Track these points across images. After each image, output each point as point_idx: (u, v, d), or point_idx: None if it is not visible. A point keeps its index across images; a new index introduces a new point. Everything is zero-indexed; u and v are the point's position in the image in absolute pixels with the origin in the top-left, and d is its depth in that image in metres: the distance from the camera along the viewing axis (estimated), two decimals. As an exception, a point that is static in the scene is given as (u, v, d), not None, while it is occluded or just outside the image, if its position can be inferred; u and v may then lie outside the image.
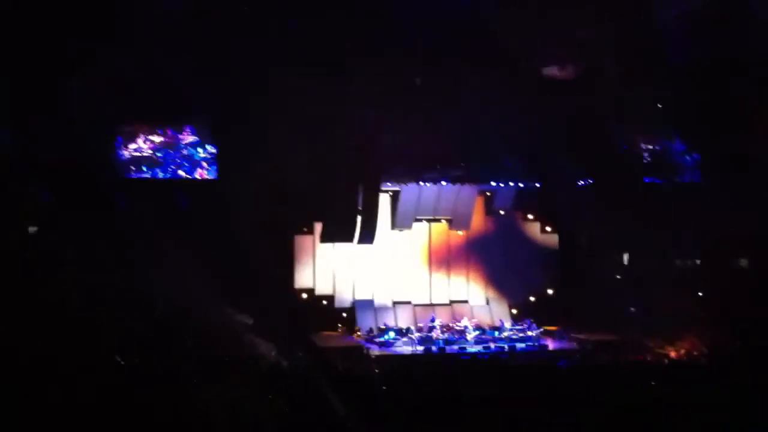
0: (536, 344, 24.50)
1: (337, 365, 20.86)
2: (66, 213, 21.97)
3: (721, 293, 25.08)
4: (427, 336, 24.40)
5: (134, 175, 25.00)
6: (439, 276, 28.28)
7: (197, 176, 25.49)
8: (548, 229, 28.97)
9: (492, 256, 28.63)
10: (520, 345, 24.27)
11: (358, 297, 27.27)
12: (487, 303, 28.33)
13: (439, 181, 25.69)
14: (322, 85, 22.46)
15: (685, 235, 26.25)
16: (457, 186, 26.47)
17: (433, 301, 27.97)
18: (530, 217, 28.92)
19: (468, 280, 28.48)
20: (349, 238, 25.19)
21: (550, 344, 24.81)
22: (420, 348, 23.67)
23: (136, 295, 19.08)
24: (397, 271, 27.79)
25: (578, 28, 17.97)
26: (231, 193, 24.27)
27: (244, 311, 23.26)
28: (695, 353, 21.79)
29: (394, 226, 27.45)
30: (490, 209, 28.55)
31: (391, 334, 24.67)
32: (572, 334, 25.41)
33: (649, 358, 22.50)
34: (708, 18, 21.61)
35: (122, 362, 13.12)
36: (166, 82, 23.27)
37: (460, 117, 22.99)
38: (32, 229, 22.40)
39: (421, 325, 25.87)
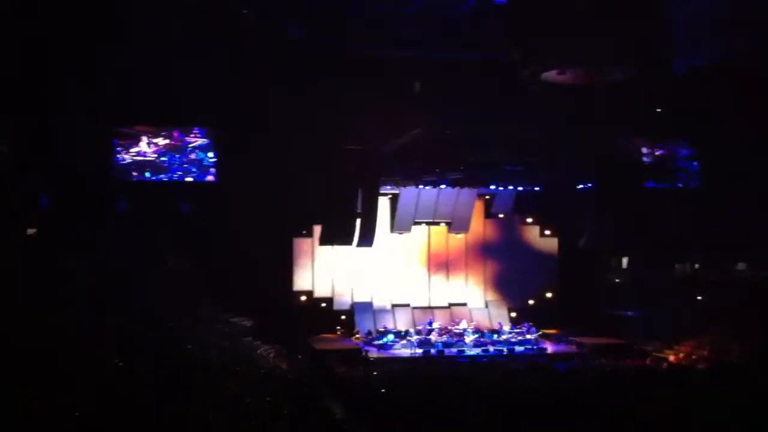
0: (535, 347, 24.49)
1: (336, 368, 20.84)
2: (63, 217, 21.97)
3: (720, 298, 25.06)
4: (426, 339, 24.38)
5: (133, 178, 24.37)
6: (438, 279, 28.29)
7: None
8: (547, 232, 29.01)
9: (491, 259, 28.69)
10: (518, 348, 24.26)
11: (357, 299, 27.27)
12: (486, 306, 28.34)
13: (438, 185, 25.65)
14: (323, 89, 22.46)
15: (684, 239, 26.23)
16: (456, 189, 26.46)
17: (432, 304, 28.00)
18: (529, 220, 28.96)
19: (467, 283, 28.50)
20: (348, 241, 25.17)
21: (549, 347, 24.82)
22: (419, 351, 23.65)
23: (132, 298, 19.07)
24: (396, 274, 27.80)
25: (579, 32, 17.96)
26: (230, 195, 24.25)
27: (244, 313, 23.29)
28: (694, 358, 21.75)
29: (393, 229, 27.47)
30: (489, 213, 28.62)
31: (390, 337, 24.65)
32: (571, 338, 25.42)
33: (648, 363, 22.46)
34: (714, 21, 21.61)
35: (121, 364, 13.07)
36: (170, 80, 23.00)
37: (459, 120, 22.94)
38: (31, 231, 22.34)
39: (419, 327, 25.86)
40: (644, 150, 26.40)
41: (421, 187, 26.12)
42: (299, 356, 22.00)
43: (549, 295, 28.38)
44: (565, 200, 27.43)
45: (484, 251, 28.68)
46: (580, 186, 26.17)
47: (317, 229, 26.33)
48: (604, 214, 25.50)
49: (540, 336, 25.46)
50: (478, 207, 28.24)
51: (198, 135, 24.85)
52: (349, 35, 22.12)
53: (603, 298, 27.61)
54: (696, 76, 23.20)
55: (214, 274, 23.63)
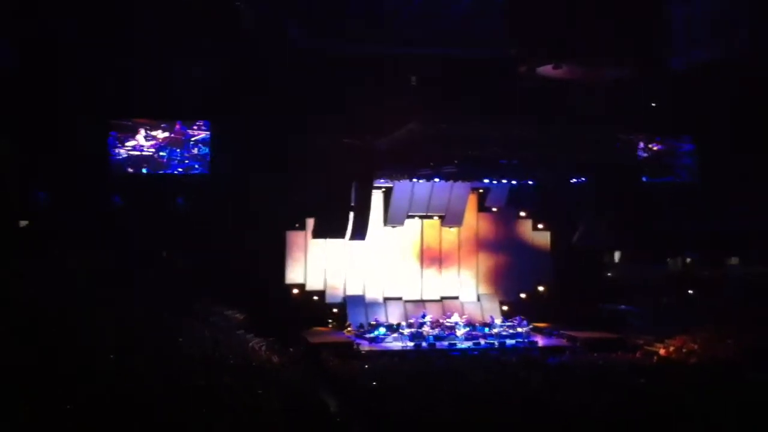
0: (526, 341, 24.55)
1: (328, 361, 20.88)
2: (58, 209, 21.88)
3: (712, 294, 25.22)
4: (418, 332, 24.44)
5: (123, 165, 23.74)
6: (431, 272, 28.35)
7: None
8: (540, 226, 29.11)
9: (484, 252, 28.78)
10: (510, 341, 24.32)
11: (350, 293, 27.31)
12: (478, 299, 28.43)
13: (432, 178, 25.68)
14: (319, 84, 22.46)
15: (677, 234, 26.35)
16: (450, 183, 26.49)
17: (424, 297, 28.06)
18: (523, 214, 29.03)
19: (459, 277, 28.57)
20: (341, 234, 25.17)
21: (540, 341, 24.89)
22: (410, 344, 23.70)
23: (127, 291, 19.06)
24: (389, 267, 27.84)
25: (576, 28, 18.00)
26: (223, 189, 24.22)
27: (237, 306, 23.31)
28: (685, 351, 21.87)
29: (386, 222, 27.51)
30: (482, 206, 28.67)
31: (382, 330, 24.69)
32: (562, 331, 25.50)
33: (638, 356, 22.59)
34: (716, 19, 21.69)
35: (118, 361, 13.08)
36: (168, 75, 22.70)
37: (455, 116, 22.96)
38: (23, 223, 22.28)
39: (411, 320, 25.91)
40: (641, 145, 26.47)
41: (415, 180, 26.14)
42: (291, 349, 22.03)
43: (541, 289, 28.48)
44: (559, 195, 27.52)
45: (477, 245, 28.76)
46: (574, 180, 26.21)
47: (310, 222, 26.34)
48: (598, 210, 25.55)
49: (531, 329, 25.55)
50: (472, 200, 28.29)
51: (202, 127, 24.06)
52: (348, 33, 22.12)
53: (595, 292, 27.69)
54: (695, 74, 23.28)
55: (208, 267, 23.64)
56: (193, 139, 24.04)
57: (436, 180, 25.81)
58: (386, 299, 27.58)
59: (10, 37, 20.75)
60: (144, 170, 23.90)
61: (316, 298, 27.05)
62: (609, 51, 18.29)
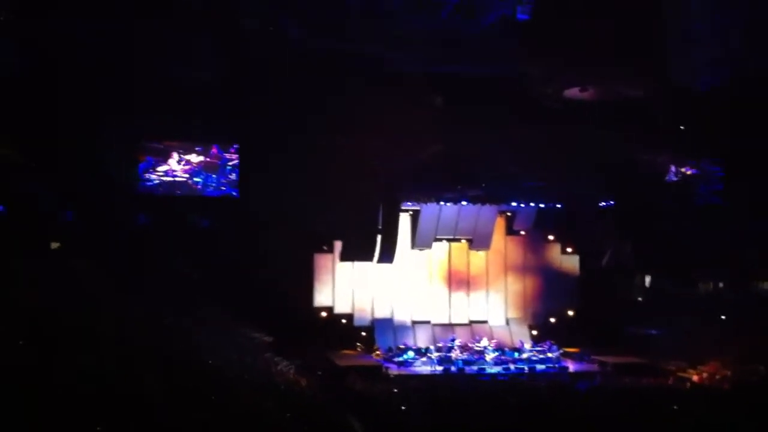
0: (556, 366, 24.28)
1: (356, 384, 20.78)
2: (88, 231, 22.03)
3: (744, 317, 24.75)
4: (446, 356, 24.26)
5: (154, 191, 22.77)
6: (459, 296, 28.19)
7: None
8: (569, 250, 28.86)
9: (512, 276, 28.57)
10: (540, 366, 24.05)
11: (378, 316, 27.23)
12: (507, 323, 28.20)
13: (459, 201, 25.63)
14: (344, 106, 22.48)
15: (707, 258, 25.96)
16: (478, 206, 26.45)
17: (453, 321, 27.89)
18: (551, 237, 28.83)
19: (488, 300, 28.38)
20: (368, 257, 25.18)
21: (571, 366, 24.60)
22: (439, 368, 23.54)
23: (155, 312, 19.15)
24: (417, 291, 27.75)
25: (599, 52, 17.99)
26: (252, 211, 24.29)
27: (264, 329, 23.32)
28: (718, 378, 21.47)
29: (414, 245, 27.45)
30: (510, 229, 28.51)
31: (410, 354, 24.56)
32: (593, 356, 25.19)
33: (670, 382, 22.21)
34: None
35: (142, 377, 13.12)
36: (193, 96, 22.16)
37: (480, 137, 22.95)
38: (55, 245, 22.43)
39: (440, 344, 25.74)
40: (672, 168, 26.20)
41: (442, 203, 26.13)
42: (319, 372, 21.96)
43: (570, 313, 28.19)
44: (587, 218, 27.30)
45: (505, 268, 28.58)
46: (602, 204, 26.02)
47: (338, 245, 26.37)
48: (625, 233, 25.32)
49: (562, 354, 25.27)
50: (500, 224, 28.17)
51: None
52: (370, 51, 22.16)
53: (625, 316, 27.34)
54: (717, 94, 23.07)
55: (236, 290, 23.70)
56: (230, 163, 22.80)
57: (463, 203, 25.77)
58: (414, 323, 27.46)
59: (33, 51, 20.73)
60: (177, 192, 23.40)
61: (344, 321, 27.00)
62: (630, 72, 18.28)
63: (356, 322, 27.10)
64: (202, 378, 14.75)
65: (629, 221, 25.51)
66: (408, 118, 22.44)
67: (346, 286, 27.14)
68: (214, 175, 22.38)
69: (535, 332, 27.78)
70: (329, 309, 26.96)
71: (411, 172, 23.64)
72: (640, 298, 28.79)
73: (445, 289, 28.13)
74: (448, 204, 26.10)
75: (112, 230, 22.59)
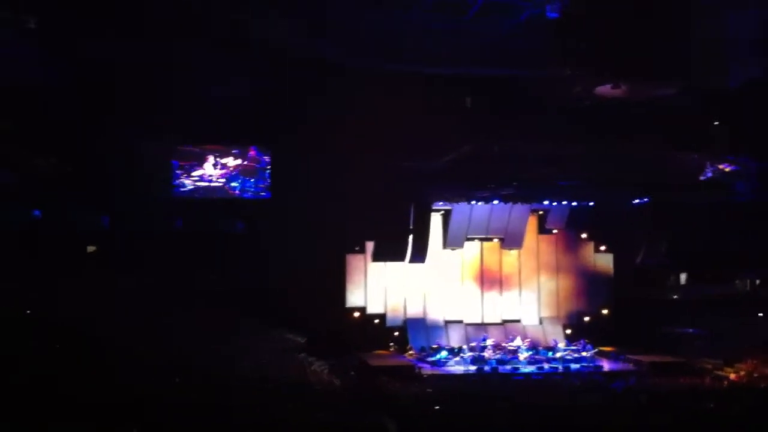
0: (591, 365, 24.12)
1: (389, 384, 20.85)
2: (123, 235, 22.32)
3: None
4: (480, 356, 24.25)
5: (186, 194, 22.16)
6: (491, 295, 28.14)
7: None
8: (603, 248, 28.64)
9: (545, 275, 28.45)
10: (574, 366, 23.92)
11: (410, 316, 27.28)
12: (540, 322, 28.09)
13: (491, 200, 25.59)
14: (375, 107, 22.51)
15: (743, 255, 25.62)
16: (509, 205, 26.38)
17: (485, 320, 27.85)
18: (584, 236, 28.64)
19: (521, 299, 28.28)
20: (400, 257, 25.24)
21: (606, 365, 24.43)
22: (472, 368, 23.54)
23: (190, 315, 19.40)
24: (449, 290, 27.75)
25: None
26: (284, 212, 24.43)
27: (298, 330, 23.50)
28: (756, 376, 21.20)
29: (445, 244, 27.45)
30: (542, 228, 28.37)
31: (444, 354, 24.57)
32: (628, 356, 24.98)
33: (707, 381, 21.96)
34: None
35: (178, 380, 13.34)
36: (227, 100, 21.26)
37: (509, 137, 22.87)
38: (91, 249, 22.79)
39: (473, 344, 25.71)
40: (707, 165, 25.88)
41: (473, 203, 26.10)
42: (352, 372, 22.08)
43: (605, 311, 27.99)
44: (620, 215, 27.08)
45: (538, 267, 28.45)
46: (636, 201, 25.78)
47: (370, 246, 26.46)
48: (660, 230, 25.06)
49: (596, 353, 25.10)
50: (532, 222, 28.04)
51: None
52: (397, 54, 22.15)
53: (660, 315, 27.08)
54: (751, 90, 22.76)
55: (269, 290, 23.89)
56: (269, 167, 22.03)
57: (495, 202, 25.73)
58: (447, 322, 27.47)
59: (68, 58, 20.89)
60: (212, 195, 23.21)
61: (376, 321, 27.09)
62: (662, 69, 18.12)
63: (389, 323, 27.18)
64: (239, 380, 14.94)
65: (664, 219, 25.25)
66: (440, 119, 22.46)
67: (378, 287, 27.23)
68: (252, 180, 21.79)
69: (569, 331, 27.63)
70: (362, 309, 27.07)
71: (442, 172, 23.61)
72: (675, 297, 28.51)
73: (478, 289, 28.09)
74: (479, 203, 26.06)
75: (147, 236, 22.82)
